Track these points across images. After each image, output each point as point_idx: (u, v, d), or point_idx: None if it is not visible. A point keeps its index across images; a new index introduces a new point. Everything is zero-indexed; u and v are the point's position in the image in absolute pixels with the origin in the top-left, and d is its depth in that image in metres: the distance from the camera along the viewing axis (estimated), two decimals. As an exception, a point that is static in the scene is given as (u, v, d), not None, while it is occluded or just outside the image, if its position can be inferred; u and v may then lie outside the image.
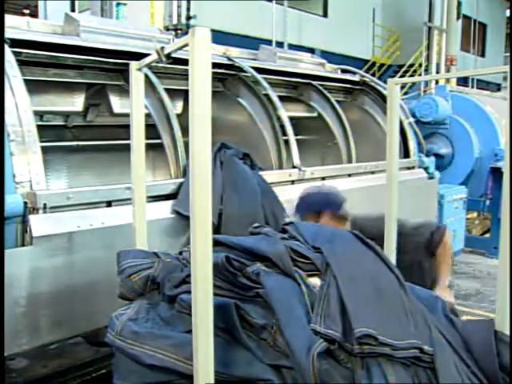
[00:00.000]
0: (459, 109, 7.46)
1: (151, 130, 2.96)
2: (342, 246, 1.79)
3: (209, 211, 1.33)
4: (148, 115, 3.01)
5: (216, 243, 1.67)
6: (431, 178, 5.08)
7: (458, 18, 14.71)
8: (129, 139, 2.15)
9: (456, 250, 6.06)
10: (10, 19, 2.98)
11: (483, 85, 18.02)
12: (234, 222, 2.88)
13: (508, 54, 21.02)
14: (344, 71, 5.47)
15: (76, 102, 3.47)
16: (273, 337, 1.52)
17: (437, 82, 10.14)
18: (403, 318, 1.53)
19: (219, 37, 4.70)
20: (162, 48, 1.67)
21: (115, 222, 2.52)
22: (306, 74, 4.68)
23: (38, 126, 2.49)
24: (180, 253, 2.04)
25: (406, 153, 4.97)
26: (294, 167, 3.70)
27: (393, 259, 2.18)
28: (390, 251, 2.21)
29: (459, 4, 14.45)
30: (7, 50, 2.58)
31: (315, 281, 1.66)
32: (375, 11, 17.01)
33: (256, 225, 2.08)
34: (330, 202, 2.54)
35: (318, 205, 2.51)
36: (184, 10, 7.44)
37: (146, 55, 2.02)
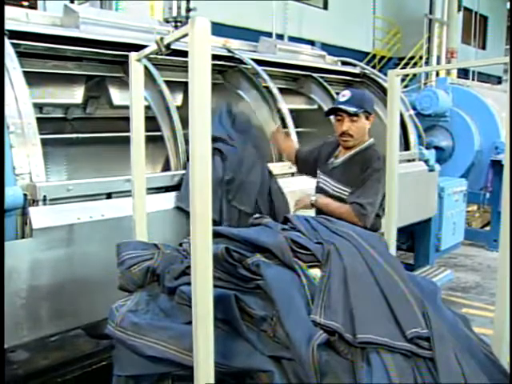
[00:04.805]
0: (460, 101, 7.44)
1: (151, 122, 2.95)
2: (343, 238, 1.79)
3: (209, 203, 1.32)
4: (148, 107, 3.00)
5: (216, 234, 1.67)
6: (431, 170, 5.07)
7: (458, 10, 14.70)
8: (128, 131, 2.15)
9: (456, 243, 6.07)
10: (9, 11, 2.96)
11: (484, 78, 17.98)
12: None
13: (509, 47, 20.96)
14: (344, 63, 5.45)
15: (75, 95, 3.45)
16: (273, 328, 1.52)
17: (437, 74, 10.11)
18: (402, 316, 1.52)
19: (219, 29, 4.67)
20: (162, 38, 1.66)
21: (115, 214, 2.52)
22: (307, 66, 4.67)
23: (38, 119, 2.48)
24: (180, 244, 2.04)
25: (406, 145, 4.96)
26: (294, 159, 3.70)
27: (393, 251, 2.19)
28: (391, 242, 2.21)
29: (460, -4, 14.41)
30: (6, 42, 2.57)
31: (315, 272, 1.66)
32: (376, 3, 16.95)
33: (256, 216, 2.08)
34: None
35: None
36: (184, 1, 7.39)
37: (146, 47, 2.01)
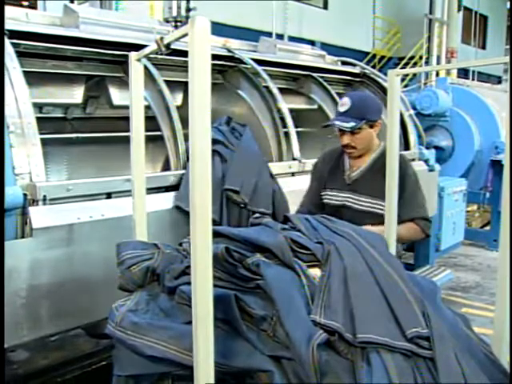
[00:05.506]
0: (460, 101, 7.45)
1: (151, 122, 2.95)
2: (343, 238, 1.79)
3: (209, 203, 1.32)
4: (148, 107, 3.00)
5: (216, 234, 1.67)
6: (431, 170, 5.07)
7: (458, 10, 14.71)
8: (128, 131, 2.15)
9: (456, 243, 6.07)
10: (9, 11, 2.96)
11: (484, 77, 18.00)
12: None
13: (509, 47, 20.96)
14: (344, 63, 5.46)
15: (75, 94, 3.46)
16: (273, 328, 1.52)
17: (437, 74, 10.10)
18: (402, 315, 1.52)
19: (219, 29, 4.68)
20: (162, 38, 1.66)
21: (115, 214, 2.52)
22: (307, 66, 4.67)
23: (38, 118, 2.49)
24: (180, 244, 2.04)
25: (406, 145, 4.96)
26: (294, 159, 3.70)
27: (393, 251, 2.18)
28: (391, 242, 2.20)
29: (460, -4, 14.42)
30: (6, 42, 2.57)
31: (315, 272, 1.66)
32: (376, 3, 16.96)
33: (256, 215, 2.08)
34: None
35: None
36: (184, 1, 7.39)
37: (146, 47, 2.01)
